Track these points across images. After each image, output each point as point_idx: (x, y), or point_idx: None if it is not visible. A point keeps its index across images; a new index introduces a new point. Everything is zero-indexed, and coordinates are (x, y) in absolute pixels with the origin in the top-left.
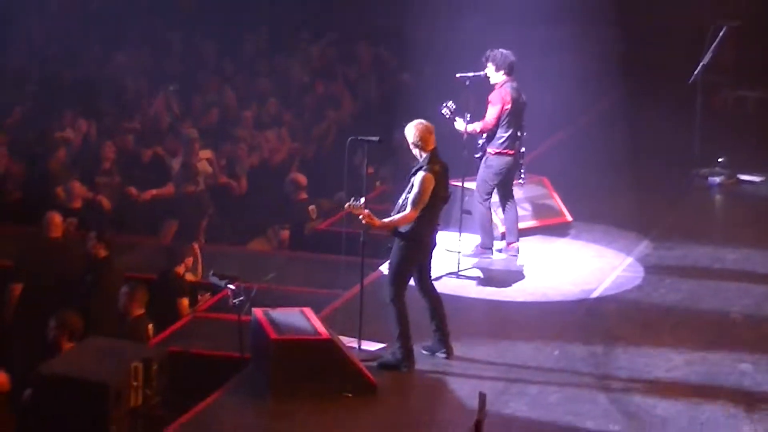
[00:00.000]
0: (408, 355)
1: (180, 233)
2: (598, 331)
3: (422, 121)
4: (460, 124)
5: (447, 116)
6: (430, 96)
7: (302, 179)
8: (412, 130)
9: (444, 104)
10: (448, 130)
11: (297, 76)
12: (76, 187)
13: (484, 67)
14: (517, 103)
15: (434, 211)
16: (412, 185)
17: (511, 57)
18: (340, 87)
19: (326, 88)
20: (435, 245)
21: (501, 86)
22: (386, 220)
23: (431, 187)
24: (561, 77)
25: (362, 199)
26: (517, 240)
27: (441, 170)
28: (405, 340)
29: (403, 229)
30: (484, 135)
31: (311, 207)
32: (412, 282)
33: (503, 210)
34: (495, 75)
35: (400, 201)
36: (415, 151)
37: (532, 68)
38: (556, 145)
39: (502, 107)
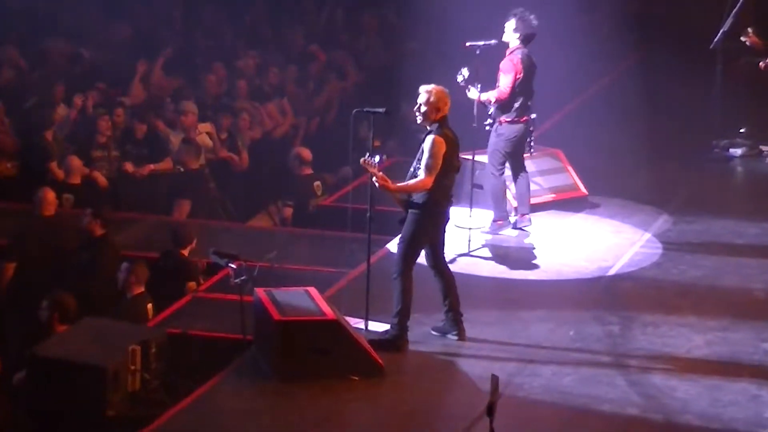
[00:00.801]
0: (402, 333)
1: (193, 213)
2: (615, 310)
3: (439, 86)
4: (473, 93)
5: (461, 84)
6: (439, 66)
7: (306, 153)
8: (427, 92)
9: (459, 71)
10: (458, 101)
11: (299, 44)
12: (74, 163)
13: (506, 21)
14: (528, 70)
15: (448, 179)
16: (422, 151)
17: (533, 28)
18: (344, 55)
19: (330, 57)
20: (448, 219)
21: (512, 53)
22: (401, 184)
23: (443, 151)
24: (573, 42)
25: (377, 157)
26: (529, 211)
27: (452, 136)
28: (402, 317)
29: (418, 198)
30: (495, 104)
31: (316, 183)
32: (423, 260)
33: (514, 182)
34: (510, 35)
35: (411, 169)
36: (421, 117)
37: (543, 31)
38: (569, 115)
39: (515, 75)
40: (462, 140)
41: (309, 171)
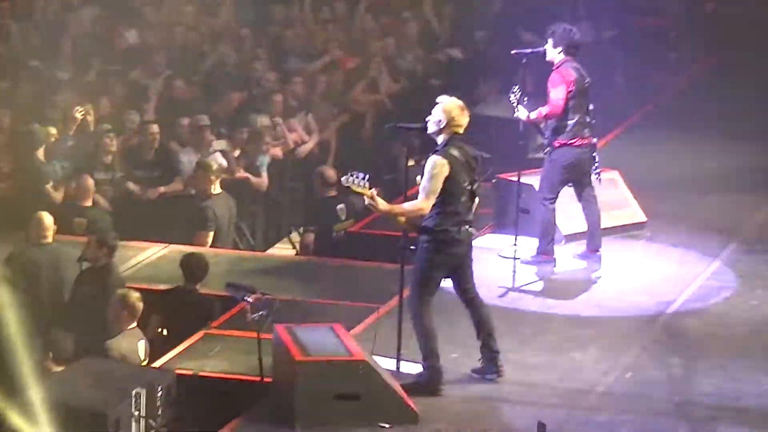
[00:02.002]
0: (436, 375)
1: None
2: (678, 351)
3: (455, 98)
4: (522, 113)
5: (513, 103)
6: (482, 75)
7: (330, 173)
8: (438, 106)
9: (511, 90)
10: (506, 117)
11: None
12: (87, 183)
13: (545, 42)
14: (580, 84)
15: (455, 202)
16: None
17: (574, 35)
18: (378, 63)
19: (360, 64)
20: (467, 244)
21: (560, 66)
22: (393, 206)
23: (443, 173)
24: (633, 49)
25: (366, 176)
26: (599, 246)
27: (462, 157)
28: (432, 360)
29: (422, 223)
30: (548, 126)
31: (340, 206)
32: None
33: (582, 209)
34: (551, 51)
35: None
36: (433, 132)
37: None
38: (628, 131)
39: (567, 88)
40: (507, 159)
41: (333, 193)
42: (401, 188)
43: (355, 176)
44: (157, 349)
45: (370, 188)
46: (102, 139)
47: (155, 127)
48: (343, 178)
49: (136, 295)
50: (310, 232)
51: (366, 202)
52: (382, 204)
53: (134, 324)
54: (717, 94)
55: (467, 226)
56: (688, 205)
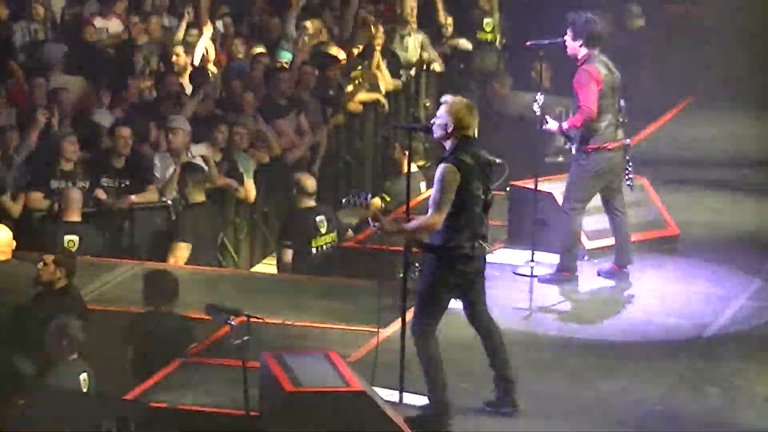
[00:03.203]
0: (443, 408)
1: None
2: (716, 380)
3: (461, 97)
4: (552, 124)
5: (538, 113)
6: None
7: (308, 182)
8: (445, 103)
9: (534, 98)
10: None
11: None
12: (73, 195)
13: (565, 33)
14: (610, 80)
15: (468, 214)
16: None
17: (596, 26)
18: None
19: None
20: (481, 262)
21: (584, 62)
22: (402, 225)
23: (455, 182)
24: (665, 40)
25: (368, 195)
26: (630, 263)
27: (474, 163)
28: (438, 390)
29: (429, 239)
30: (583, 127)
31: (319, 218)
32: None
33: (610, 221)
34: (572, 45)
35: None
36: (437, 133)
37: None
38: (657, 134)
39: (598, 87)
40: (522, 165)
41: (311, 203)
42: (403, 198)
43: (356, 196)
44: (127, 379)
45: (367, 207)
46: (62, 142)
47: (126, 130)
48: (344, 200)
49: (76, 323)
50: (286, 248)
51: (370, 224)
52: (387, 223)
53: (75, 355)
54: (749, 94)
55: (480, 241)
56: (725, 216)
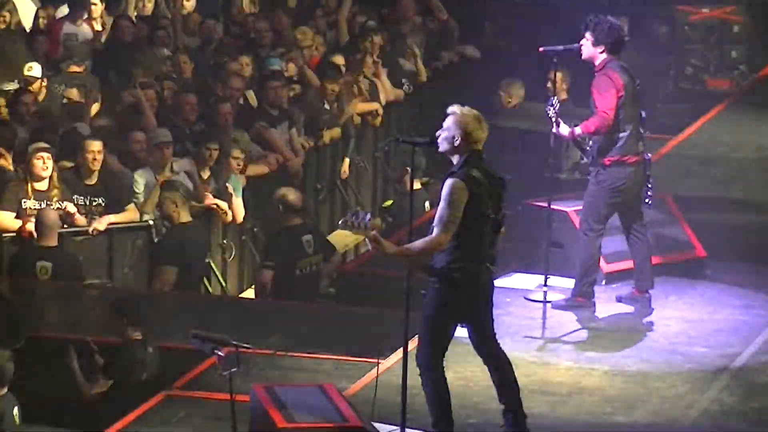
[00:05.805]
0: None
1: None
2: (746, 414)
3: (470, 108)
4: (564, 129)
5: (552, 118)
6: (502, 77)
7: (294, 197)
8: (453, 115)
9: (549, 102)
10: (539, 130)
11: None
12: (51, 217)
13: (581, 37)
14: (631, 88)
15: (476, 235)
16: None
17: (621, 31)
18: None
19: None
20: (488, 286)
21: (603, 68)
22: (405, 246)
23: (463, 199)
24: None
25: (368, 216)
26: (651, 286)
27: (483, 179)
28: (443, 425)
29: (435, 263)
30: (594, 141)
31: (306, 237)
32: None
33: (628, 242)
34: (591, 50)
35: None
36: (444, 147)
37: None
38: (682, 147)
39: (617, 94)
40: (534, 183)
41: (297, 221)
42: (405, 217)
43: (355, 217)
44: (104, 413)
45: (368, 227)
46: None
47: (96, 144)
48: (341, 222)
49: (5, 354)
50: (267, 269)
51: (369, 247)
52: (388, 246)
53: (4, 390)
54: None
55: (488, 264)
56: (755, 238)
